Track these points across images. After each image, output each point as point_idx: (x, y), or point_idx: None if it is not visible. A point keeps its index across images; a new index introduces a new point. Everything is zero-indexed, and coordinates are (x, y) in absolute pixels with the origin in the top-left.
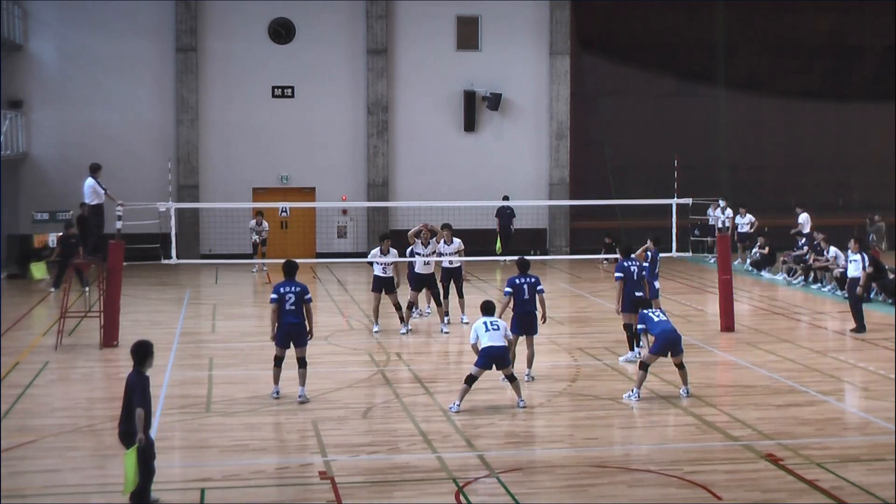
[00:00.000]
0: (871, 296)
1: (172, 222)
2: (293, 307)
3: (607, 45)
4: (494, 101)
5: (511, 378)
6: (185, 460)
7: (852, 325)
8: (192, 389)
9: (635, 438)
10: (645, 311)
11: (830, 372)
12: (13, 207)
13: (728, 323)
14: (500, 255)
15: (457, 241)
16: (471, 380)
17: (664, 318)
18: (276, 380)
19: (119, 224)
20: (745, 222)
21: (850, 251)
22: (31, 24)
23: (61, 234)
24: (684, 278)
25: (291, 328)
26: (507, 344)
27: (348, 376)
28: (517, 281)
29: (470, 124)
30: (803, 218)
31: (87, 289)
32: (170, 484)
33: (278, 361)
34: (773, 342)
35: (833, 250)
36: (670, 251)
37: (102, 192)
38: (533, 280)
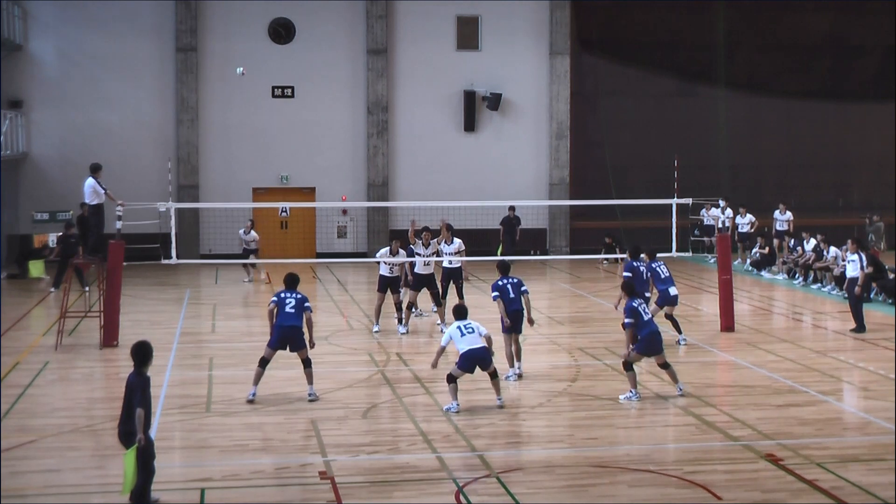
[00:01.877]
0: (871, 296)
1: (172, 222)
2: (293, 310)
3: (607, 45)
4: (494, 101)
5: (493, 375)
6: (185, 460)
7: (852, 324)
8: (192, 389)
9: (635, 438)
10: (635, 305)
11: (830, 372)
12: (13, 207)
13: (728, 323)
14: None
15: (457, 241)
16: (452, 378)
17: (651, 317)
18: (256, 381)
19: (119, 224)
20: (745, 222)
21: (847, 251)
22: (31, 24)
23: (61, 233)
24: (684, 278)
25: (288, 331)
26: (486, 344)
27: (348, 376)
28: (500, 283)
29: (470, 124)
30: (788, 215)
31: (87, 289)
32: (170, 484)
33: (263, 363)
34: (773, 342)
35: (833, 250)
36: (670, 251)
37: (102, 192)
38: (516, 280)
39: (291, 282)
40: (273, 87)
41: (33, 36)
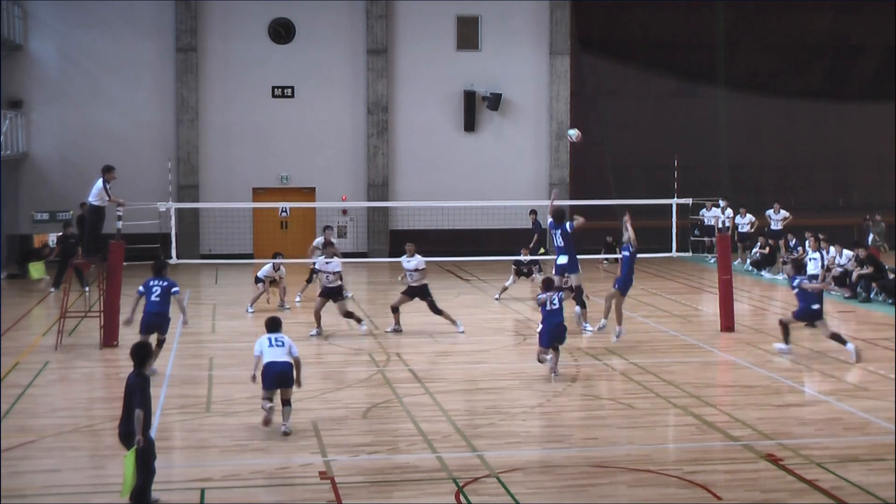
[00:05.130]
0: (872, 296)
1: (172, 222)
2: (158, 298)
3: (607, 45)
4: (494, 101)
5: (287, 403)
6: (185, 460)
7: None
8: (192, 389)
9: (635, 438)
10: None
11: (830, 372)
12: (13, 207)
13: (728, 323)
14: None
15: (418, 257)
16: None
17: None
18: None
19: (119, 224)
20: (745, 222)
21: (809, 249)
22: (31, 24)
23: (61, 233)
24: (684, 278)
25: (153, 318)
26: (291, 361)
27: (348, 376)
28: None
29: (470, 124)
30: (783, 214)
31: (87, 289)
32: (170, 484)
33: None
34: (773, 342)
35: (833, 250)
36: (670, 251)
37: (106, 196)
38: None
39: (157, 268)
40: (273, 87)
41: (33, 36)
